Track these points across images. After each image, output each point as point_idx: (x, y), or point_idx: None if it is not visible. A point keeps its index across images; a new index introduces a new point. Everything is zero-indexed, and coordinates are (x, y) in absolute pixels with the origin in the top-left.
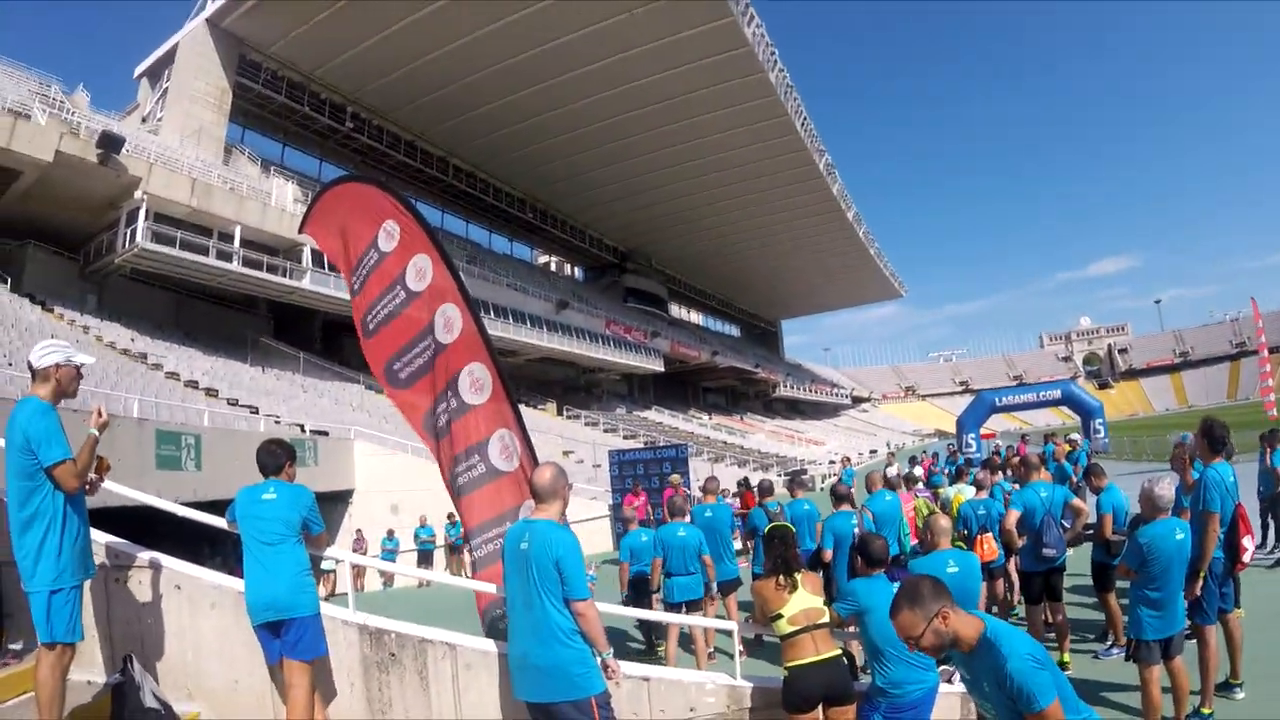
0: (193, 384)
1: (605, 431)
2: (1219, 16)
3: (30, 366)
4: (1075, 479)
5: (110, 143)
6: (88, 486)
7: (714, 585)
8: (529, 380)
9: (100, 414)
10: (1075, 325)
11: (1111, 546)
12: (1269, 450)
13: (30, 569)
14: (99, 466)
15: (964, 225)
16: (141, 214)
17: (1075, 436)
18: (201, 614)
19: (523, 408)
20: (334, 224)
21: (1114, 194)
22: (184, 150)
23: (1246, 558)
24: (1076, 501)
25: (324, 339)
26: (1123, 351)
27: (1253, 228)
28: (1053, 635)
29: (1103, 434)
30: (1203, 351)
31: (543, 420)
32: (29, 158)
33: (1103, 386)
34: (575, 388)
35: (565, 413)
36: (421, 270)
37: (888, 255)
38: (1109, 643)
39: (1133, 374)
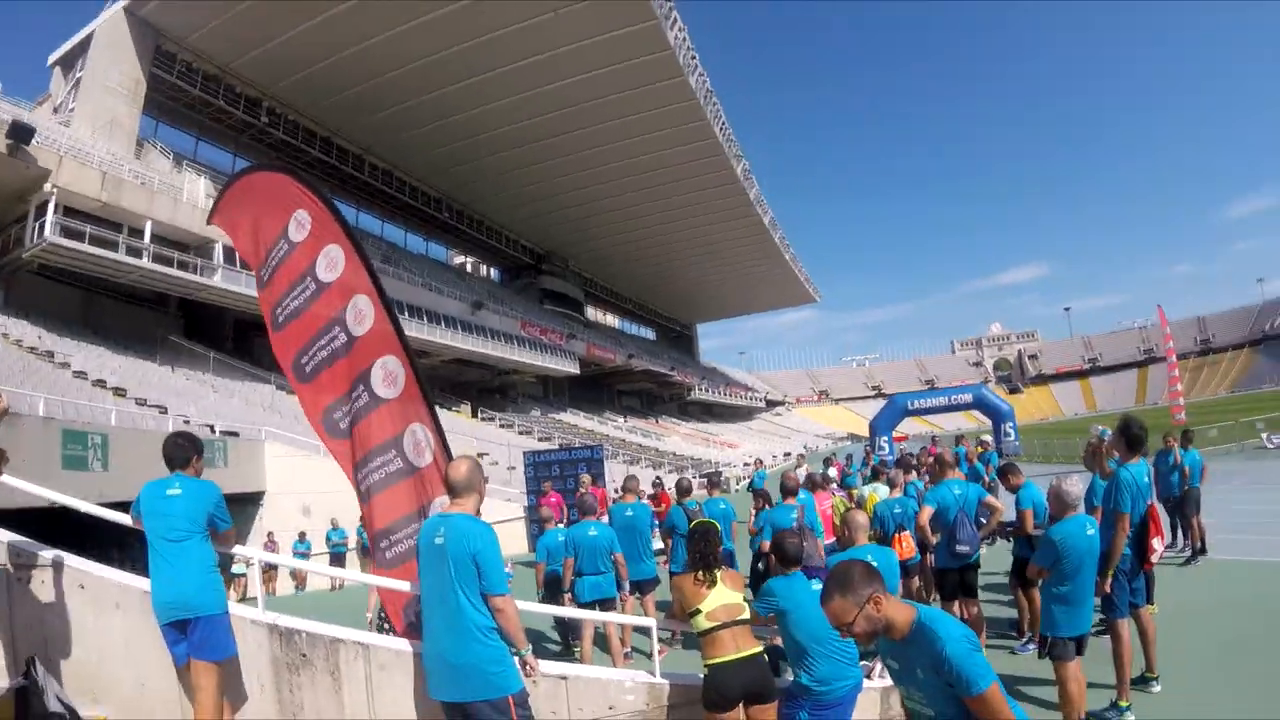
0: (101, 383)
1: (520, 434)
2: (1135, 19)
3: None
4: (987, 479)
5: (20, 133)
6: None
7: (626, 583)
8: (443, 382)
9: (1, 398)
10: (986, 331)
11: (1033, 541)
12: (1172, 448)
13: None
14: None
15: (879, 233)
16: (51, 207)
17: (986, 438)
18: (106, 614)
19: (438, 409)
20: (243, 214)
21: (1025, 203)
22: (96, 143)
23: (1154, 558)
24: (991, 498)
25: (235, 338)
26: (1033, 357)
27: (1160, 239)
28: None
29: (1013, 437)
30: (1111, 358)
31: (457, 422)
32: None
33: (1013, 391)
34: (490, 390)
35: (480, 415)
36: (333, 260)
37: (803, 261)
38: (1025, 638)
39: (1043, 379)
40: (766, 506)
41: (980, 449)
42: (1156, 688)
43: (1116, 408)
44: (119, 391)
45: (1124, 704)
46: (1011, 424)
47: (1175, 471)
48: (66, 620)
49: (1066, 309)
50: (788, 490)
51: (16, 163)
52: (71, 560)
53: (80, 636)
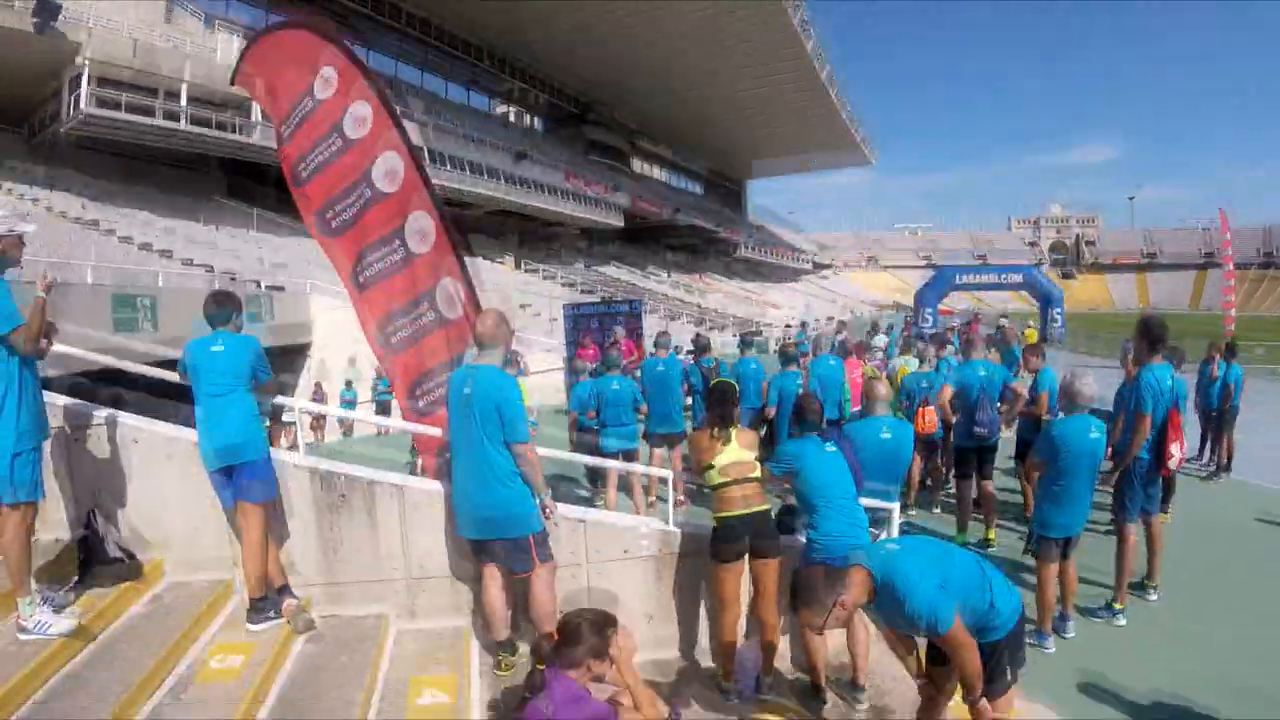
0: (146, 246)
1: (563, 285)
2: None
3: None
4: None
5: (47, 10)
6: (41, 349)
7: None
8: (487, 233)
9: (45, 276)
10: (1045, 211)
11: (1042, 425)
12: (1216, 362)
13: None
14: (48, 331)
15: (942, 96)
16: (84, 79)
17: (1005, 322)
18: (159, 465)
19: (479, 261)
20: (265, 72)
21: (1099, 77)
22: (124, 10)
23: (1172, 464)
24: (1016, 384)
25: (278, 194)
26: (1090, 243)
27: (1238, 139)
28: (980, 513)
29: (1060, 323)
30: (1171, 255)
31: (500, 274)
32: None
33: (1066, 276)
34: (534, 241)
35: (523, 266)
36: (361, 118)
37: (860, 120)
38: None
39: (1098, 267)
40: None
41: (1012, 331)
42: (1153, 596)
43: (1170, 308)
44: (165, 253)
45: (1118, 606)
46: (1059, 310)
47: (1216, 384)
48: (122, 473)
49: (1130, 198)
50: (788, 358)
51: (46, 39)
52: (124, 417)
53: (136, 487)
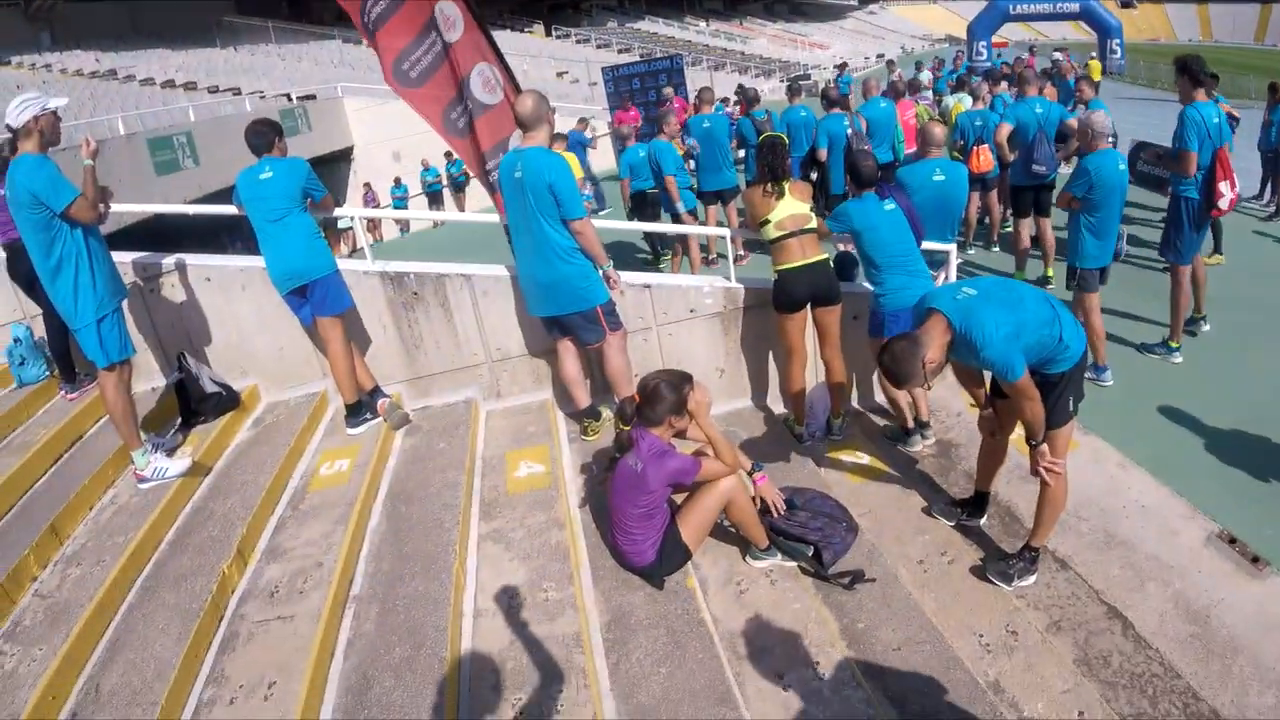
0: (169, 84)
1: (598, 48)
2: None
3: (9, 128)
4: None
5: None
6: (101, 214)
7: (678, 204)
8: (512, 2)
9: (88, 143)
10: None
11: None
12: (1276, 102)
13: (71, 308)
14: (103, 196)
15: None
16: None
17: (1058, 55)
18: (235, 297)
19: (509, 33)
20: None
21: None
22: None
23: (1223, 203)
24: (1073, 120)
25: (290, 2)
26: None
27: None
28: (1038, 251)
29: (1119, 55)
30: None
31: (532, 43)
32: None
33: (1125, 5)
34: (562, 5)
35: (554, 32)
36: None
37: None
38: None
39: None
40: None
41: (1067, 63)
42: (1205, 327)
43: (1233, 41)
44: (189, 86)
45: (1174, 344)
46: (1119, 41)
47: (1275, 125)
48: (202, 312)
49: None
50: (831, 102)
51: None
52: (193, 259)
53: (217, 322)
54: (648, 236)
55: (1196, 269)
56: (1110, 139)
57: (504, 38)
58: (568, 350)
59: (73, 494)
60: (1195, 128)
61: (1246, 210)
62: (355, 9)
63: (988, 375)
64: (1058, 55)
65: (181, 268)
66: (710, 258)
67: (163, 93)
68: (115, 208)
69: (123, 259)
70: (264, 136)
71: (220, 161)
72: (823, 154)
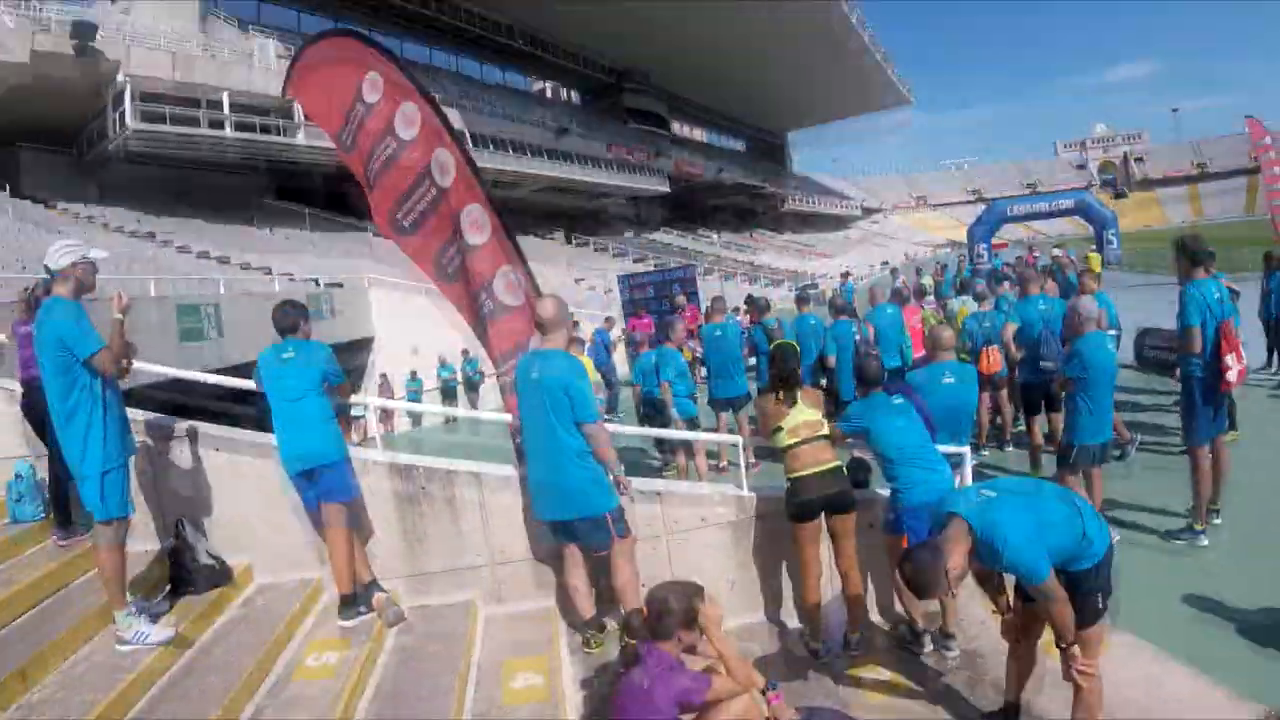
0: (204, 255)
1: (615, 257)
2: None
3: (48, 270)
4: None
5: (83, 32)
6: (123, 369)
7: (669, 410)
8: (535, 212)
9: (121, 298)
10: (1091, 133)
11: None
12: (1273, 269)
13: (78, 456)
14: (127, 351)
15: (977, 26)
16: (127, 96)
17: (1057, 252)
18: (242, 472)
19: (531, 239)
20: (316, 82)
21: None
22: (158, 24)
23: (1231, 376)
24: (1099, 316)
25: (327, 192)
26: (1139, 160)
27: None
28: (1051, 447)
29: (1115, 245)
30: (1220, 164)
31: (552, 250)
32: (5, 62)
33: (1118, 196)
34: (582, 215)
35: (574, 241)
36: (409, 117)
37: (896, 59)
38: (1125, 445)
39: (1149, 184)
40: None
41: (1066, 259)
42: (1217, 520)
43: (1225, 217)
44: (223, 260)
45: (1199, 527)
46: (1114, 232)
47: (1274, 294)
48: (206, 482)
49: (1174, 110)
50: (838, 309)
51: (85, 61)
52: (205, 427)
53: (221, 495)
54: (659, 443)
55: (1220, 452)
56: (1114, 331)
57: (526, 243)
58: (574, 557)
59: (48, 642)
60: (1197, 305)
61: (1256, 382)
62: (382, 213)
63: (1009, 578)
64: (1057, 251)
65: (193, 435)
66: (722, 465)
67: (197, 262)
68: (136, 365)
69: (135, 416)
70: (290, 318)
71: (243, 336)
72: (831, 360)
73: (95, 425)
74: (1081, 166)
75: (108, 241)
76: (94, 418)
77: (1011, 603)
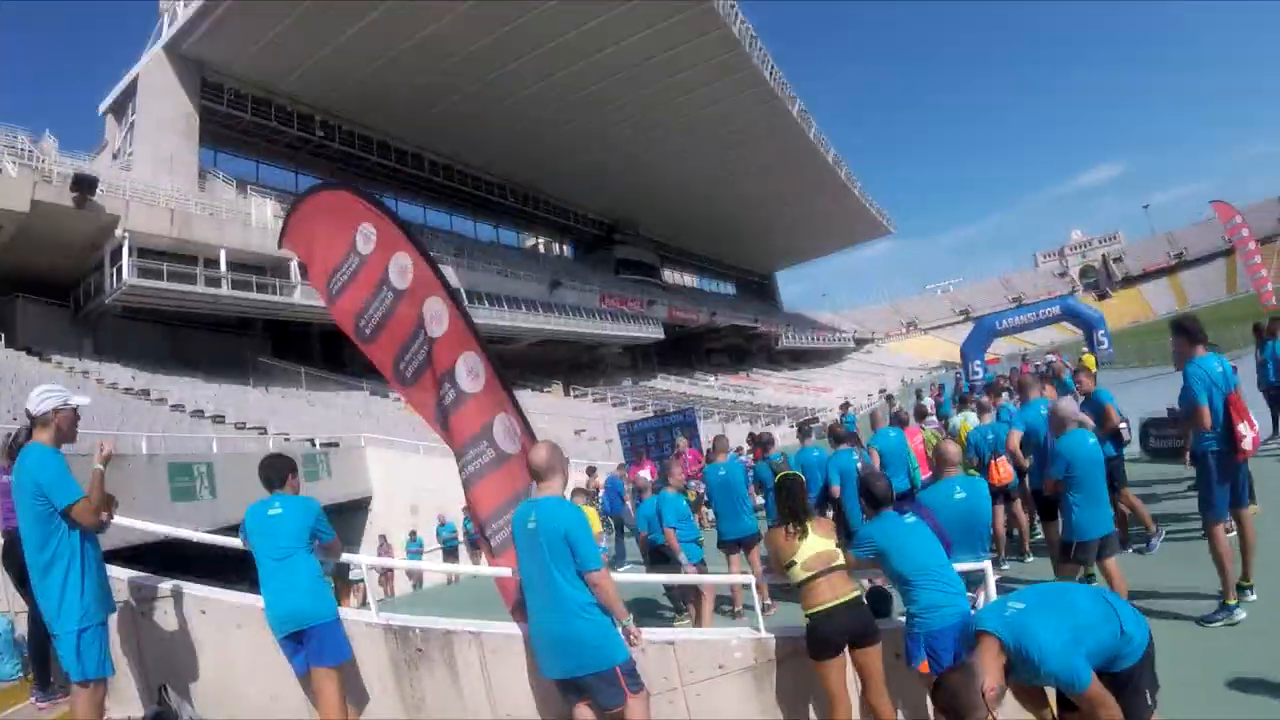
0: (199, 413)
1: (614, 405)
2: None
3: (29, 414)
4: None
5: (84, 185)
6: (102, 521)
7: (680, 554)
8: (532, 364)
9: (103, 448)
10: (1068, 240)
11: (1120, 436)
12: (1264, 339)
13: (55, 610)
14: (107, 503)
15: (947, 151)
16: (125, 251)
17: (1051, 357)
18: (229, 634)
19: (528, 392)
20: (310, 234)
21: (1092, 104)
22: (158, 181)
23: (1246, 444)
24: (1081, 415)
25: (324, 350)
26: (1118, 260)
27: (1234, 119)
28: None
29: (1106, 344)
30: (1197, 250)
31: (550, 402)
32: (5, 211)
33: (1102, 297)
34: (579, 366)
35: (572, 392)
36: (403, 268)
37: (872, 193)
38: (1150, 537)
39: (1130, 280)
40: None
41: (1060, 362)
42: (1251, 596)
43: (1209, 300)
44: (217, 419)
45: (1231, 602)
46: (1103, 331)
47: (1269, 363)
48: (192, 645)
49: (1145, 206)
50: (839, 438)
51: (85, 213)
52: (190, 588)
53: (206, 658)
54: (669, 590)
55: (1245, 526)
56: (1124, 423)
57: (523, 396)
58: (585, 717)
59: None
60: (1201, 381)
61: (1266, 453)
62: (386, 364)
63: (1050, 690)
64: (1050, 357)
65: (177, 595)
66: (737, 609)
67: (191, 420)
68: (122, 521)
69: (118, 574)
70: (278, 471)
71: (237, 497)
72: (835, 490)
73: (73, 578)
74: (1063, 274)
75: (101, 397)
76: (71, 570)
77: (1056, 714)
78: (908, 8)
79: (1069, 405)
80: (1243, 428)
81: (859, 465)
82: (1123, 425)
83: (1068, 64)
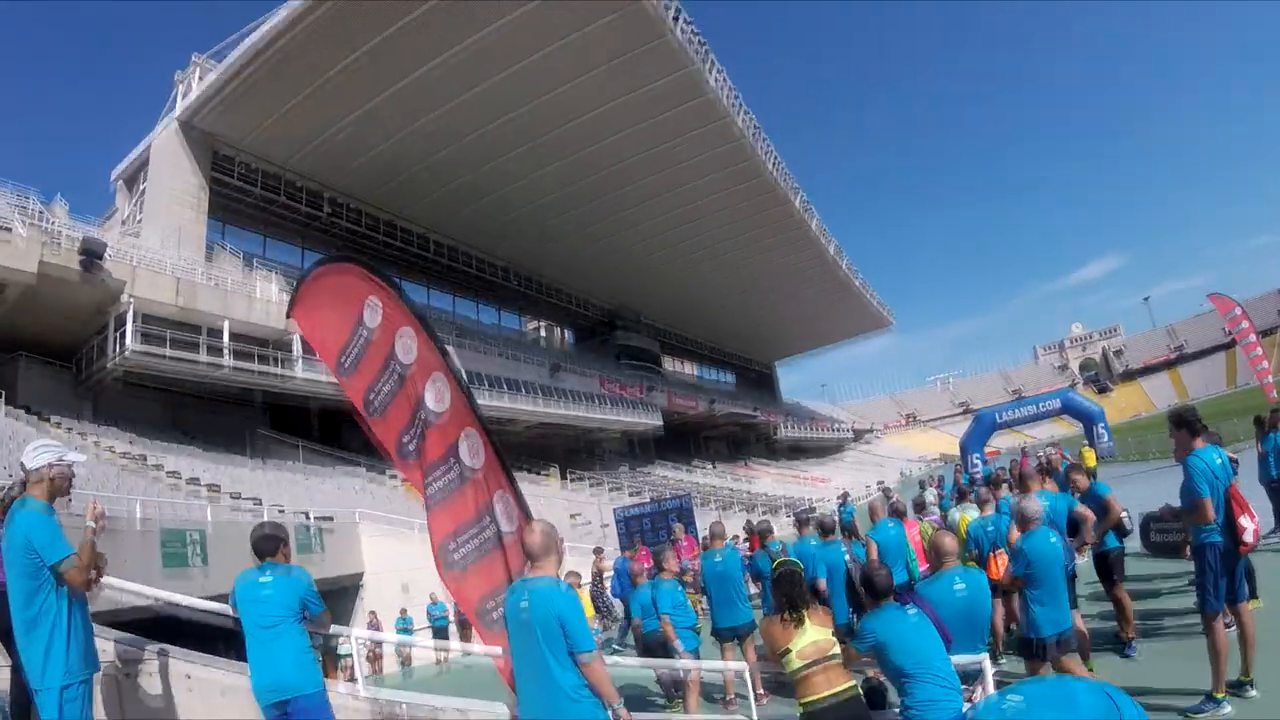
0: (194, 482)
1: (611, 491)
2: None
3: (23, 468)
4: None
5: (92, 251)
6: (91, 580)
7: (675, 642)
8: (530, 449)
9: (95, 506)
10: (1068, 333)
11: (1120, 530)
12: (1266, 432)
13: (39, 668)
14: (97, 563)
15: (947, 246)
16: (129, 317)
17: (1050, 449)
18: (214, 703)
19: (526, 476)
20: (319, 306)
21: (1091, 198)
22: (166, 251)
23: (1248, 537)
24: (1081, 507)
25: (322, 427)
26: (1118, 353)
27: (1233, 214)
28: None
29: (1106, 438)
30: (1197, 344)
31: (547, 487)
32: (13, 271)
33: (1102, 391)
34: (577, 451)
35: (569, 477)
36: (408, 345)
37: (874, 285)
38: (1129, 641)
39: (1130, 375)
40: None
41: (1059, 456)
42: (1253, 692)
43: (1209, 394)
44: (213, 489)
45: (1219, 695)
46: (1103, 425)
47: (1270, 455)
48: (175, 712)
49: (1145, 299)
50: (826, 530)
51: (92, 278)
52: (176, 653)
53: None
54: (661, 680)
55: (1244, 620)
56: (1124, 513)
57: (520, 480)
58: None
59: None
60: (1202, 474)
61: (1266, 547)
62: (391, 439)
63: None
64: (1050, 450)
65: (163, 660)
66: (729, 698)
67: (186, 489)
68: (111, 582)
69: (105, 635)
70: (271, 541)
71: (229, 568)
72: (822, 584)
73: (58, 635)
74: (1063, 367)
75: (99, 462)
76: (57, 627)
77: None
78: (913, 101)
79: (1032, 504)
80: (1244, 520)
81: (848, 559)
82: (1124, 514)
83: (1069, 158)
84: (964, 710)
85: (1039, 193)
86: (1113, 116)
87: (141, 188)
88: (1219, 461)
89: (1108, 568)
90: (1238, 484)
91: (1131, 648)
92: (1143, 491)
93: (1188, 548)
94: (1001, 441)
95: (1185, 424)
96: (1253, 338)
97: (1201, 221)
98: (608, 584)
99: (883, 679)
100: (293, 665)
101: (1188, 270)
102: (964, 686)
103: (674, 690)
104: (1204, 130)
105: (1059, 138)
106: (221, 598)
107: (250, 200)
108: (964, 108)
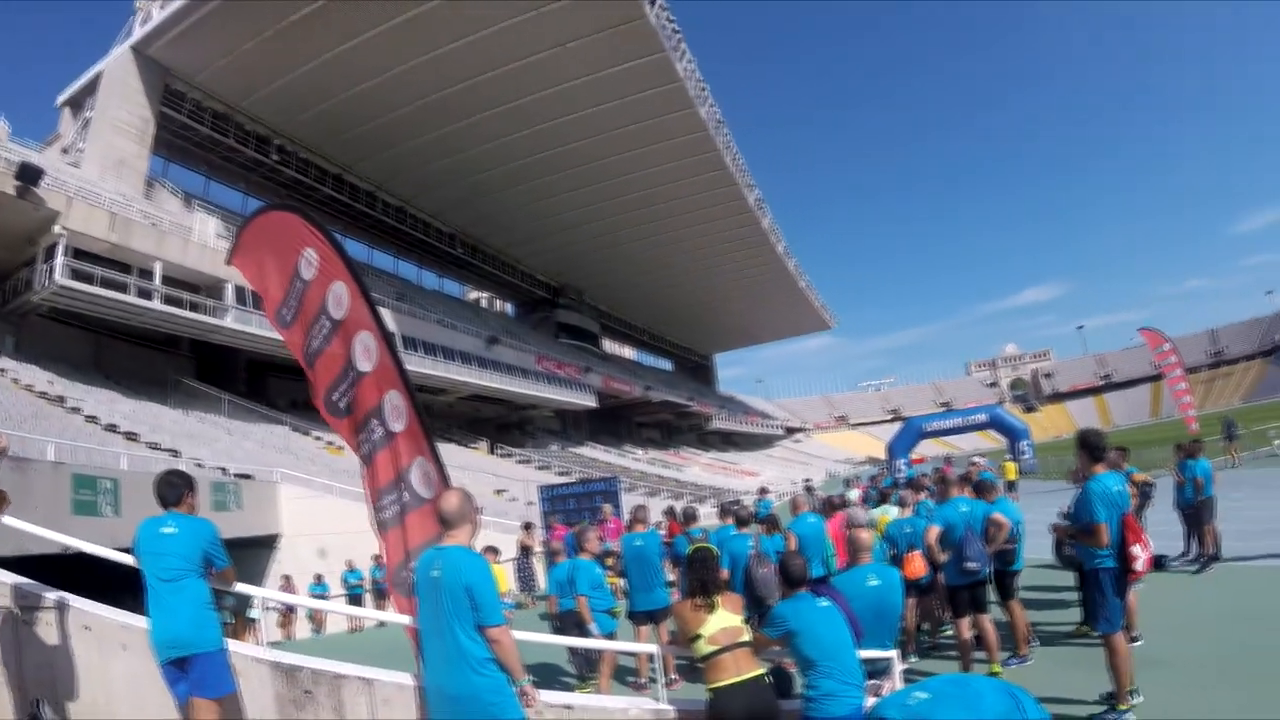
0: (112, 427)
1: (539, 469)
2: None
3: None
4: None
5: (29, 174)
6: None
7: (590, 625)
8: (460, 419)
9: (1, 439)
10: (1001, 353)
11: (1005, 555)
12: (1184, 459)
13: None
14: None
15: (894, 258)
16: (60, 249)
17: (979, 459)
18: (112, 655)
19: (454, 447)
20: (259, 254)
21: (1038, 227)
22: (105, 183)
23: (1139, 565)
24: (997, 515)
25: (249, 380)
26: (1047, 375)
27: (1171, 256)
28: (981, 649)
29: (1029, 455)
30: (1124, 374)
31: (475, 459)
32: None
33: (1029, 410)
34: (508, 425)
35: (498, 451)
36: (339, 298)
37: (818, 288)
38: (1023, 657)
39: (1058, 396)
40: (774, 533)
41: (974, 468)
42: (1139, 698)
43: (1131, 422)
44: (131, 436)
45: (1122, 707)
46: (1028, 442)
47: (1188, 483)
48: (72, 661)
49: (1079, 327)
50: (741, 521)
51: (25, 204)
52: (76, 601)
53: (87, 677)
54: (573, 656)
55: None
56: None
57: (448, 451)
58: None
59: None
60: (1101, 499)
61: (1178, 569)
62: (319, 394)
63: None
64: (978, 459)
65: (62, 607)
66: (641, 681)
67: (103, 434)
68: (15, 523)
69: (3, 578)
70: (175, 489)
71: (141, 516)
72: (724, 574)
73: None
74: (993, 384)
75: (15, 398)
76: None
77: None
78: (878, 117)
79: (857, 514)
80: (1136, 549)
81: (751, 551)
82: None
83: (1020, 186)
84: (867, 705)
85: (989, 214)
86: (1070, 148)
87: (87, 115)
88: (1117, 489)
89: (1001, 584)
90: (1131, 513)
91: (1009, 662)
92: (1061, 507)
93: (1058, 554)
94: (928, 450)
95: (1089, 447)
96: (1179, 372)
97: (1140, 260)
98: (538, 561)
99: (790, 666)
100: (192, 621)
101: (1122, 305)
102: (871, 681)
103: (586, 669)
104: (1150, 175)
105: (1013, 168)
106: (128, 550)
107: (197, 138)
108: (927, 129)
